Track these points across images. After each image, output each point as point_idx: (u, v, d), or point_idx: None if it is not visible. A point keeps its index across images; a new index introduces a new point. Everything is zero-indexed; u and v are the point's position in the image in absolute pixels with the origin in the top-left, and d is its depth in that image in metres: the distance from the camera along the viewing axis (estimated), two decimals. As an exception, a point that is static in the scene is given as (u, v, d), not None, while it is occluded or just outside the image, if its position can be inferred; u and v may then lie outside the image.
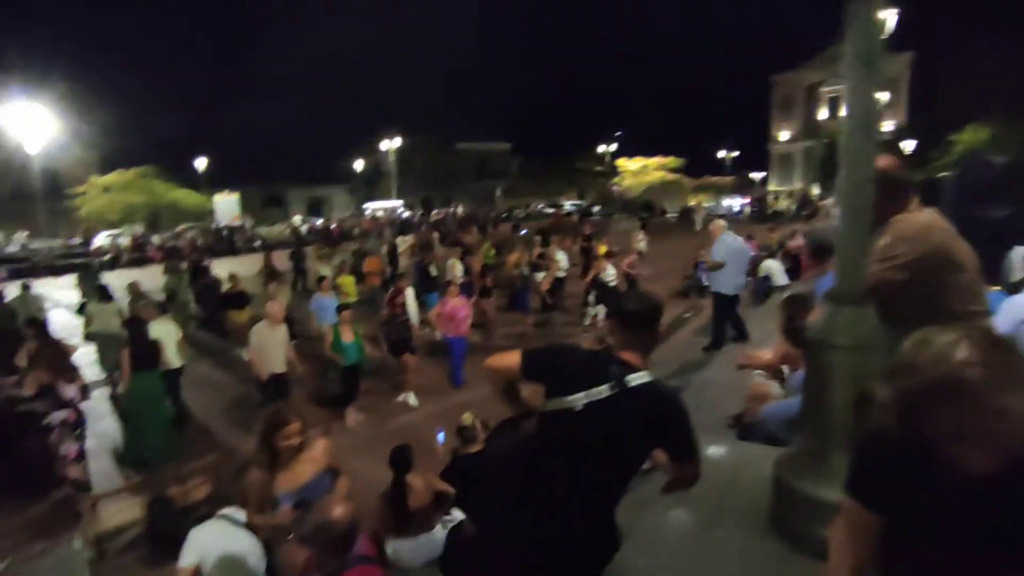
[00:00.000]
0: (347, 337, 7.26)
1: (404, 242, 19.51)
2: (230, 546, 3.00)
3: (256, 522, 3.05)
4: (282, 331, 6.88)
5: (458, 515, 3.90)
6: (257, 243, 31.47)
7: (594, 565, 2.09)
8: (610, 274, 11.01)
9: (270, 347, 6.66)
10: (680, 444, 2.06)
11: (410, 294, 8.98)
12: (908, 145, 31.81)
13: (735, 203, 43.56)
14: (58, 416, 5.41)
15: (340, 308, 7.58)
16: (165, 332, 7.02)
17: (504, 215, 43.80)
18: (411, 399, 7.84)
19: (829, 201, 32.47)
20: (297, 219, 39.81)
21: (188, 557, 2.98)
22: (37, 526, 4.85)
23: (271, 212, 46.92)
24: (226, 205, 40.78)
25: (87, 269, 16.07)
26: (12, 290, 10.63)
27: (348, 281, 11.49)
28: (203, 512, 4.78)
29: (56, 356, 5.79)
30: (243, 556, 3.00)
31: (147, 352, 6.51)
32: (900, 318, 1.85)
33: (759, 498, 2.10)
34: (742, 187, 53.41)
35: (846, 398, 1.80)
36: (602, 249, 13.14)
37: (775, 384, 4.59)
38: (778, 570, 1.79)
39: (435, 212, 44.25)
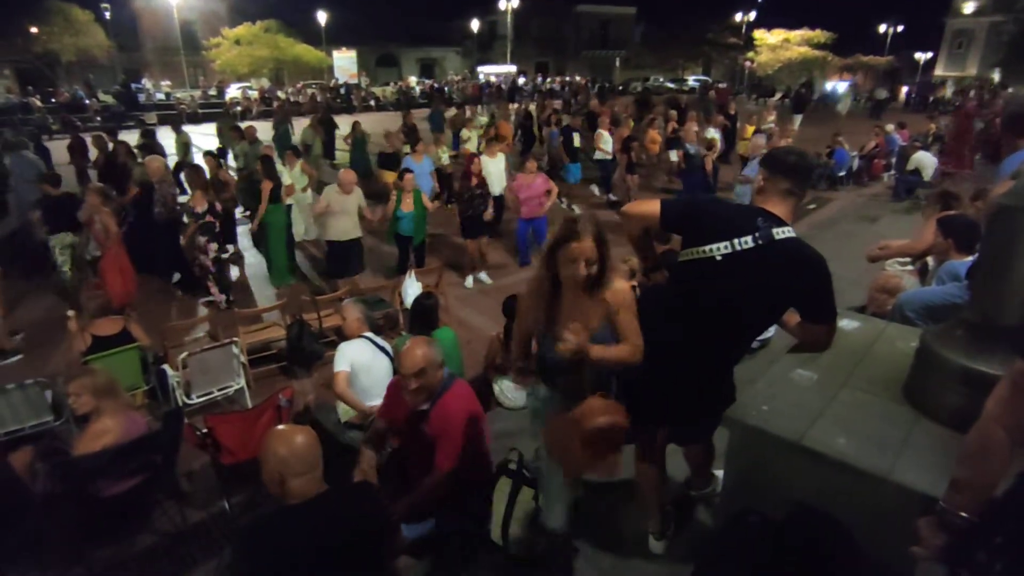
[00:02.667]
0: (406, 206, 6.56)
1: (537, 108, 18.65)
2: (374, 359, 3.65)
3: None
4: (355, 198, 6.35)
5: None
6: (371, 102, 31.93)
7: (711, 412, 2.16)
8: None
9: (338, 213, 6.28)
10: (818, 304, 2.02)
11: (494, 163, 8.03)
12: None
13: (837, 85, 37.08)
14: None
15: (402, 172, 6.69)
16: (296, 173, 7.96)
17: (620, 88, 41.17)
18: (483, 277, 7.23)
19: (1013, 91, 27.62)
20: (412, 80, 39.65)
21: (342, 364, 3.55)
22: (205, 328, 5.68)
23: (385, 72, 46.90)
24: (344, 62, 41.33)
25: (224, 117, 17.21)
26: (165, 133, 11.81)
27: None
28: (332, 339, 5.42)
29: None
30: (382, 368, 3.65)
31: (276, 186, 7.07)
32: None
33: (894, 369, 2.03)
34: (902, 69, 46.32)
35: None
36: (750, 130, 12.30)
37: (908, 276, 4.30)
38: (907, 430, 1.76)
39: (549, 80, 42.33)
